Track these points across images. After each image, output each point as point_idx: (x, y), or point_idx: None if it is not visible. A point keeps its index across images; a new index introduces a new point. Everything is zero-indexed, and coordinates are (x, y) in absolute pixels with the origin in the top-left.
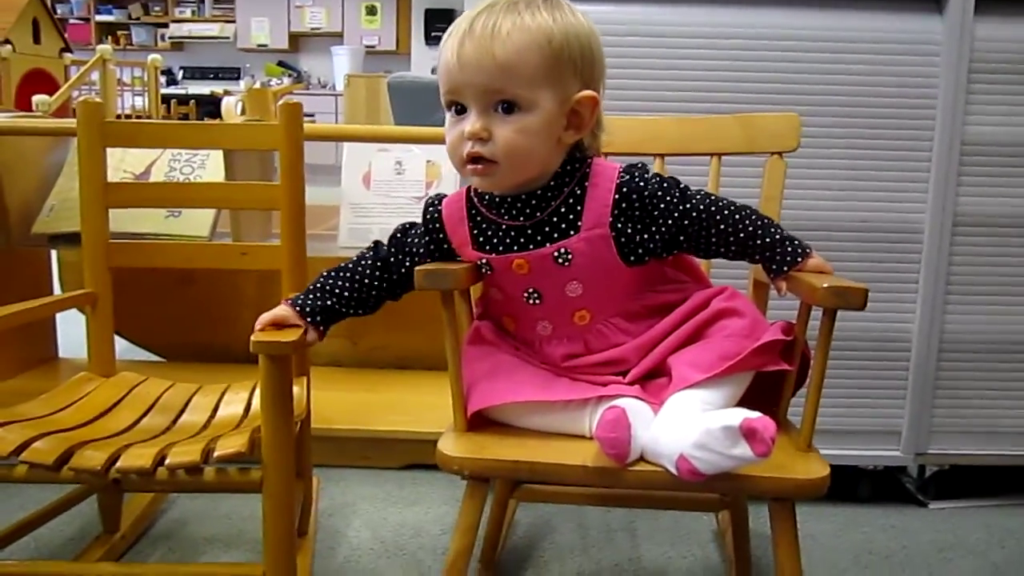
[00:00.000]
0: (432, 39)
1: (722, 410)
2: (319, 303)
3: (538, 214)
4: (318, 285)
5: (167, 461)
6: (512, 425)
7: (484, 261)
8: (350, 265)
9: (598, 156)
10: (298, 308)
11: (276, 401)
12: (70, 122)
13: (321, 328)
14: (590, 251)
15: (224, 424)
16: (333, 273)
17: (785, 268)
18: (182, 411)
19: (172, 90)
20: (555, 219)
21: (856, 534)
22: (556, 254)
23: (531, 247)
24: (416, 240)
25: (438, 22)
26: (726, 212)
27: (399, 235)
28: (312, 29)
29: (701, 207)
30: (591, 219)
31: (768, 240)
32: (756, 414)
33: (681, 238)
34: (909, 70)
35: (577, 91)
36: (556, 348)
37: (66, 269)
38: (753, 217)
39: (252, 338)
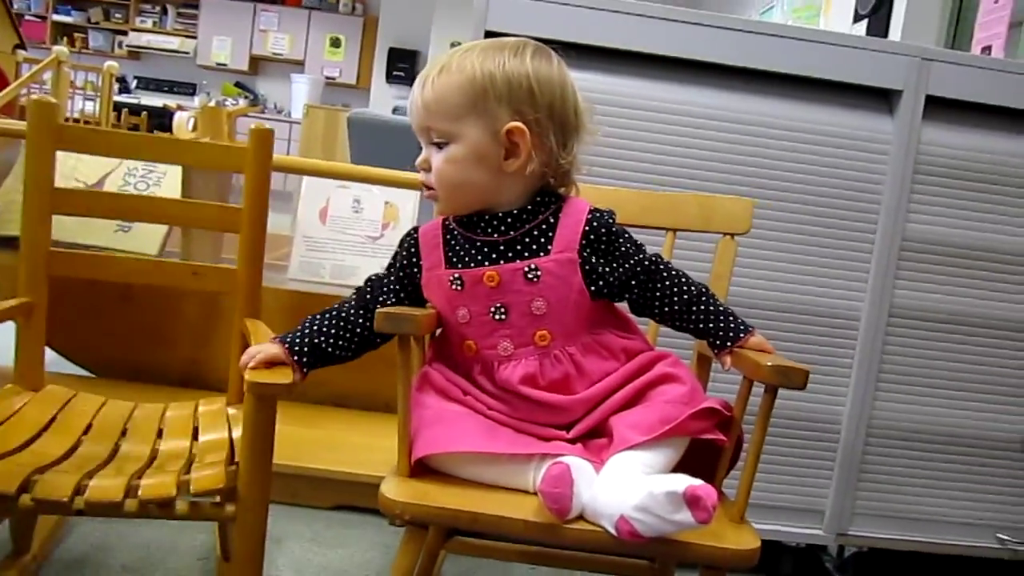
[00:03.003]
0: (393, 78)
1: (666, 475)
2: (311, 342)
3: (511, 232)
4: (306, 326)
5: (140, 494)
6: (453, 473)
7: (456, 276)
8: (335, 307)
9: (573, 195)
10: (287, 346)
11: (259, 440)
12: (19, 123)
13: (305, 370)
14: (558, 272)
15: (173, 454)
16: (320, 315)
17: (728, 343)
18: (122, 434)
19: (125, 98)
20: (527, 240)
21: None
22: (527, 269)
23: (502, 262)
24: (392, 276)
25: (400, 61)
26: (673, 273)
27: (374, 277)
28: (274, 54)
29: (650, 261)
30: (561, 244)
31: (711, 309)
32: (699, 482)
33: (632, 283)
34: (858, 165)
35: (501, 124)
36: (514, 371)
37: (2, 274)
38: (698, 286)
39: (247, 377)
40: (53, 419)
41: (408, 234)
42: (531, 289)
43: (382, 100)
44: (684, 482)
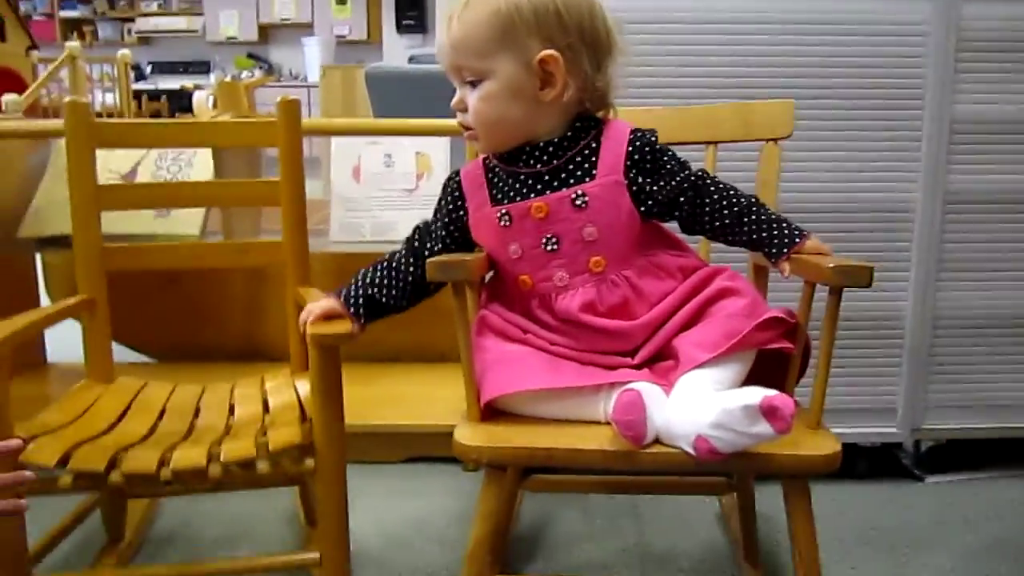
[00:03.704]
0: (404, 28)
1: (739, 389)
2: (365, 294)
3: (554, 161)
4: (359, 278)
5: (222, 458)
6: (521, 413)
7: (504, 212)
8: (387, 258)
9: (612, 115)
10: (343, 299)
11: (328, 391)
12: (55, 123)
13: (363, 320)
14: (605, 196)
15: (246, 422)
16: (372, 267)
17: (784, 250)
18: (196, 414)
19: (141, 85)
20: (571, 167)
21: (858, 511)
22: (574, 196)
23: (548, 192)
24: (438, 223)
25: (409, 10)
26: (721, 186)
27: (421, 225)
28: (282, 20)
29: (697, 176)
30: (606, 167)
31: (763, 218)
32: (774, 392)
33: (681, 199)
34: (898, 50)
35: (531, 55)
36: (573, 299)
37: (52, 273)
38: (748, 197)
39: (308, 329)
40: (128, 407)
41: (450, 178)
42: (580, 216)
43: (395, 52)
44: (759, 394)
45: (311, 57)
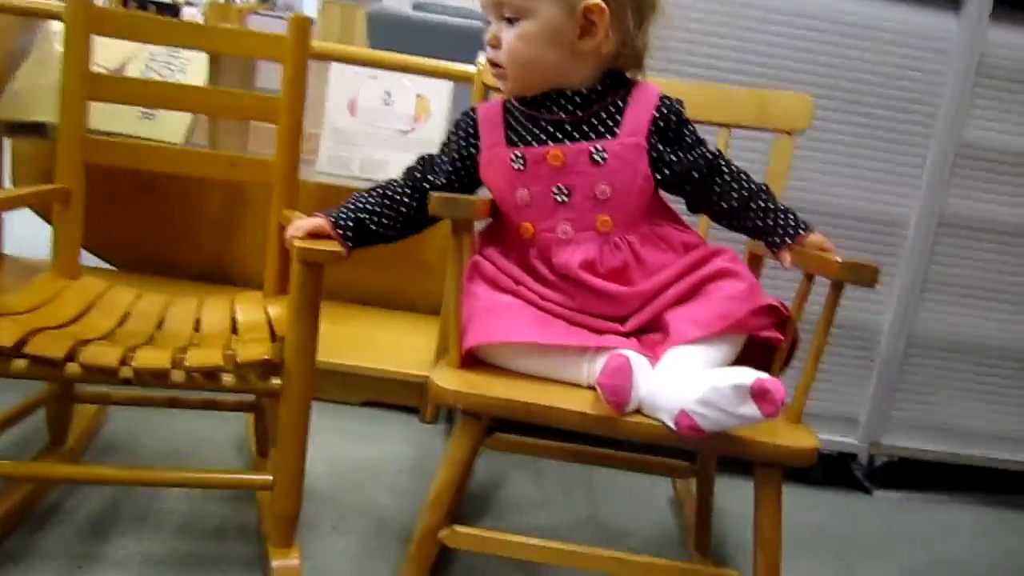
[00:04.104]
0: None
1: (730, 368)
2: (356, 218)
3: (579, 112)
4: (351, 202)
5: (187, 363)
6: (502, 365)
7: (518, 154)
8: (383, 185)
9: (642, 78)
10: (332, 219)
11: (306, 309)
12: (54, 3)
13: (350, 244)
14: (625, 156)
15: (214, 335)
16: (367, 192)
17: (788, 240)
18: (161, 324)
19: None
20: (594, 121)
21: (810, 516)
22: (593, 150)
23: (568, 142)
24: (444, 158)
25: None
26: (734, 169)
27: (426, 157)
28: None
29: (712, 155)
30: (629, 128)
31: (771, 207)
32: (766, 375)
33: (694, 174)
34: (919, 65)
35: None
36: (573, 254)
37: (20, 162)
38: (758, 184)
39: (295, 244)
40: (92, 305)
41: (465, 114)
42: (596, 172)
43: None
44: (751, 375)
45: None
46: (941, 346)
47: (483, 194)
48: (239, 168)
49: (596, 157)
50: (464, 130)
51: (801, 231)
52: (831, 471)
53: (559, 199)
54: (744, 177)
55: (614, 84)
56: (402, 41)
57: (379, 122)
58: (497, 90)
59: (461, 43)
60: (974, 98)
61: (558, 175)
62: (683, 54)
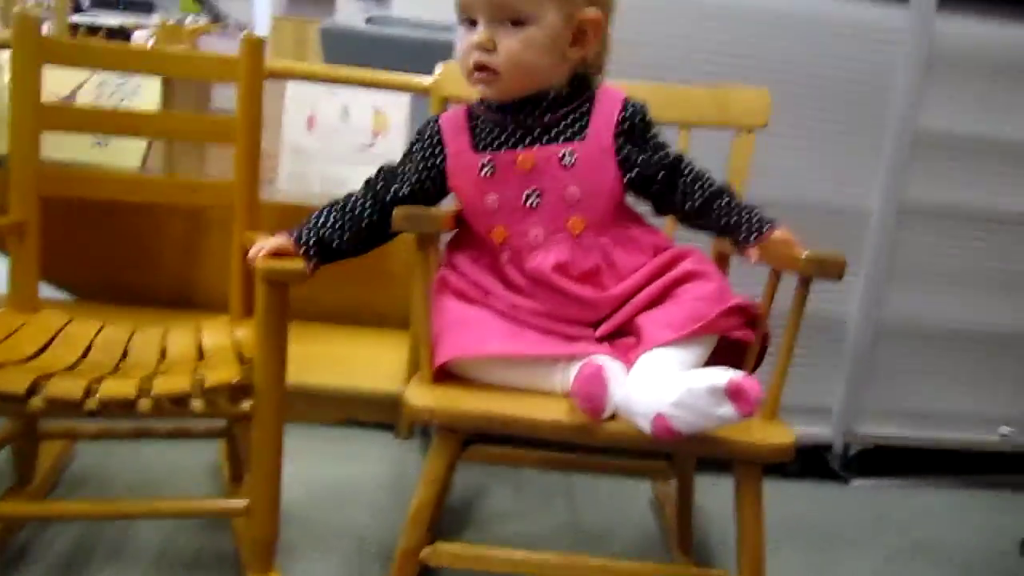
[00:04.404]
0: None
1: (704, 369)
2: (317, 235)
3: (547, 116)
4: (313, 219)
5: (154, 391)
6: (475, 378)
7: (487, 160)
8: (343, 200)
9: (601, 78)
10: (295, 237)
11: (273, 329)
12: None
13: (314, 263)
14: (593, 158)
15: (179, 361)
16: (327, 208)
17: (753, 236)
18: (125, 354)
19: (78, 18)
20: (563, 124)
21: (787, 508)
22: (562, 153)
23: (536, 146)
24: (409, 167)
25: None
26: (696, 170)
27: (387, 168)
28: None
29: (675, 157)
30: (596, 130)
31: (734, 204)
32: (741, 374)
33: (659, 175)
34: (871, 56)
35: (582, 9)
36: (546, 258)
37: None
38: (720, 183)
39: (258, 264)
40: (53, 340)
41: (427, 123)
42: (566, 174)
43: (349, 10)
44: (725, 375)
45: (260, 7)
46: (909, 332)
47: (449, 203)
48: (198, 193)
49: (565, 160)
50: (429, 138)
51: (766, 227)
52: (807, 463)
53: (530, 203)
54: (707, 177)
55: (580, 88)
56: (356, 55)
57: (338, 138)
58: (458, 100)
59: (415, 55)
60: (926, 86)
61: (528, 179)
62: (638, 55)
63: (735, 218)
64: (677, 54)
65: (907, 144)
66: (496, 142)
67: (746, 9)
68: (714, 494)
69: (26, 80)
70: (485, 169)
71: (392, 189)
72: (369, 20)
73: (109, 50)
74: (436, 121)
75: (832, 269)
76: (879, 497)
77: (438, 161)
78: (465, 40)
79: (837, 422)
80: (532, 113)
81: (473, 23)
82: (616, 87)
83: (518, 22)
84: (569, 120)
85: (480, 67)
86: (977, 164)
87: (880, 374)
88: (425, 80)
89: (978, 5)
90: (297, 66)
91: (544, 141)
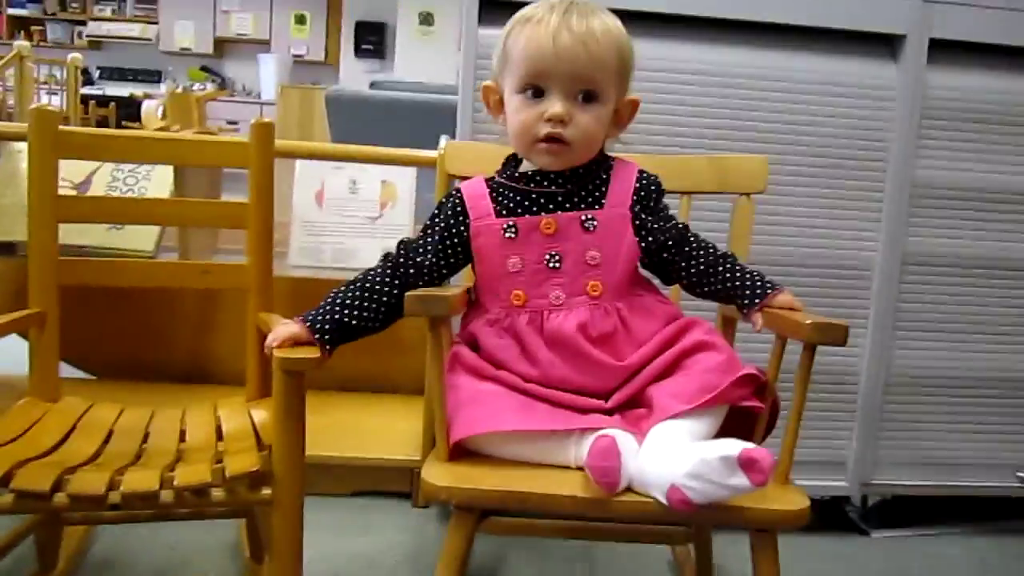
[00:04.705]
0: (362, 52)
1: (716, 440)
2: (332, 318)
3: (569, 185)
4: (329, 300)
5: (176, 482)
6: (490, 454)
7: (510, 224)
8: (360, 277)
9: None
10: (309, 324)
11: (290, 417)
12: (17, 126)
13: (329, 348)
14: (613, 224)
15: (199, 448)
16: (344, 288)
17: (757, 300)
18: (145, 438)
19: (88, 90)
20: (583, 193)
21: (807, 564)
22: (584, 219)
23: (559, 212)
24: (430, 238)
25: (369, 35)
26: (701, 240)
27: (407, 241)
28: (238, 35)
29: (683, 226)
30: (615, 199)
31: (737, 268)
32: (752, 444)
33: (670, 244)
34: (865, 114)
35: (625, 94)
36: (567, 319)
37: None
38: (723, 251)
39: (275, 354)
40: (73, 428)
41: (449, 194)
42: (587, 238)
43: (353, 75)
44: (737, 446)
45: (266, 74)
46: (920, 381)
47: (464, 275)
48: (212, 275)
49: (587, 224)
50: (451, 208)
51: (769, 291)
52: (826, 516)
53: (551, 265)
54: (710, 245)
55: (599, 159)
56: (362, 119)
57: (347, 211)
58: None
59: (419, 117)
60: (921, 139)
61: (550, 242)
62: (635, 124)
63: (738, 283)
64: (667, 121)
65: (906, 197)
66: (520, 209)
67: (743, 76)
68: (733, 554)
69: (43, 174)
70: (509, 232)
71: (414, 261)
72: (373, 85)
73: (122, 141)
74: (458, 191)
75: (837, 335)
76: (900, 548)
77: (461, 229)
78: (529, 110)
79: (853, 474)
80: (557, 182)
81: (537, 93)
82: (630, 160)
83: (589, 98)
84: (590, 188)
85: (551, 138)
86: (977, 213)
87: (894, 424)
88: (430, 154)
89: (967, 57)
90: (306, 146)
91: (567, 208)
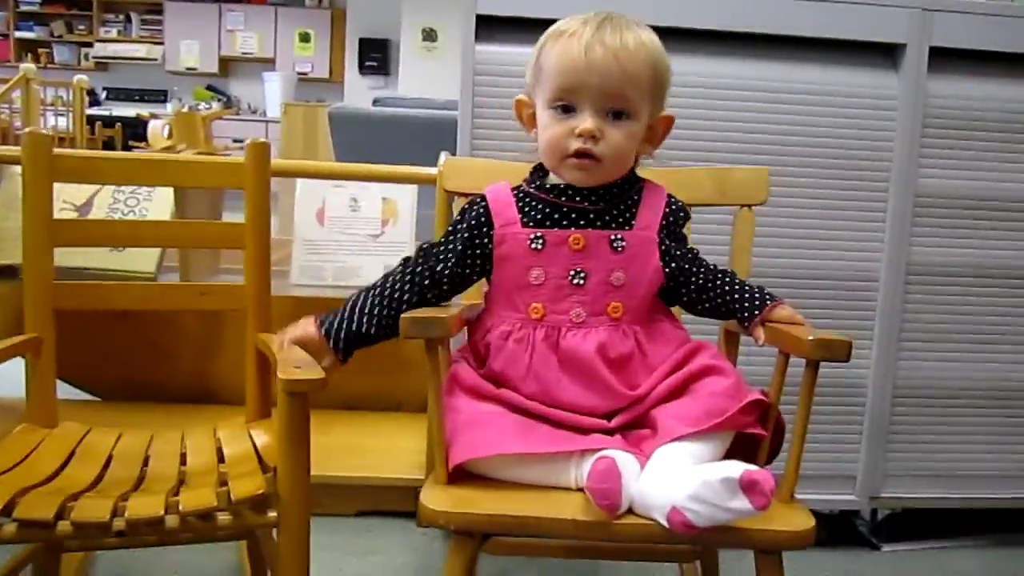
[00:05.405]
0: (366, 69)
1: (719, 463)
2: (350, 327)
3: (601, 203)
4: (349, 306)
5: (181, 507)
6: (490, 476)
7: (538, 235)
8: (378, 284)
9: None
10: (325, 331)
11: (295, 438)
12: (11, 150)
13: (343, 356)
14: (641, 247)
15: (201, 472)
16: (364, 295)
17: (756, 312)
18: (145, 462)
19: (95, 111)
20: (614, 212)
21: None
22: (613, 238)
23: (588, 228)
24: (452, 245)
25: (372, 52)
26: (700, 257)
27: (427, 247)
28: (243, 53)
29: (693, 250)
30: (644, 221)
31: (736, 282)
32: (754, 467)
33: (687, 267)
34: (866, 124)
35: (659, 110)
36: (586, 338)
37: None
38: (720, 268)
39: (280, 376)
40: (72, 453)
41: (473, 201)
42: (615, 258)
43: (357, 92)
44: (739, 468)
45: (271, 92)
46: (927, 393)
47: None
48: (210, 297)
49: (616, 245)
50: (475, 217)
51: (768, 302)
52: (835, 530)
53: (575, 282)
54: (710, 264)
55: (630, 180)
56: (364, 136)
57: (348, 229)
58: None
59: (421, 133)
60: (923, 148)
61: (577, 258)
62: None
63: (736, 295)
64: (675, 133)
65: (909, 207)
66: (548, 221)
67: (739, 86)
68: (741, 569)
69: (37, 198)
70: (535, 243)
71: (433, 269)
72: (376, 102)
73: (116, 164)
74: (483, 198)
75: (838, 351)
76: (912, 562)
77: (484, 239)
78: (559, 125)
79: (862, 487)
80: (589, 198)
81: (567, 109)
82: (659, 184)
83: (620, 114)
84: (620, 208)
85: (582, 154)
86: (981, 222)
87: (902, 436)
88: (430, 171)
89: (968, 65)
90: (304, 165)
91: (596, 225)
